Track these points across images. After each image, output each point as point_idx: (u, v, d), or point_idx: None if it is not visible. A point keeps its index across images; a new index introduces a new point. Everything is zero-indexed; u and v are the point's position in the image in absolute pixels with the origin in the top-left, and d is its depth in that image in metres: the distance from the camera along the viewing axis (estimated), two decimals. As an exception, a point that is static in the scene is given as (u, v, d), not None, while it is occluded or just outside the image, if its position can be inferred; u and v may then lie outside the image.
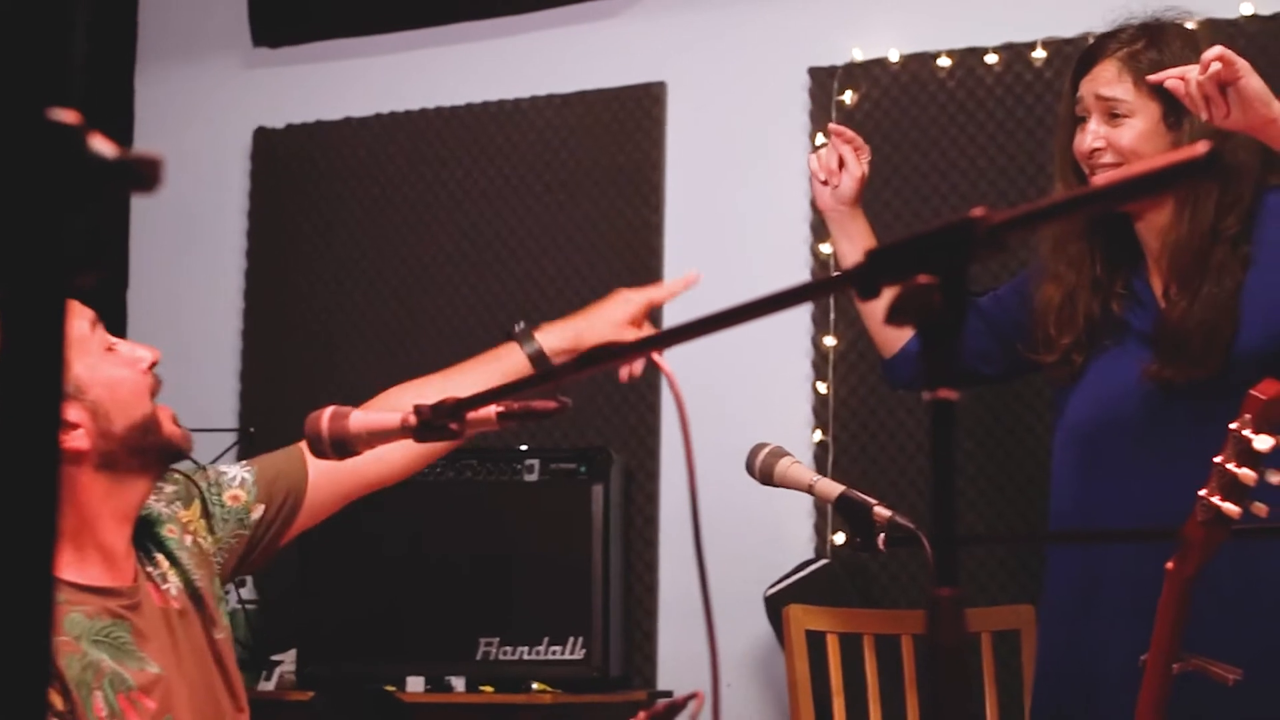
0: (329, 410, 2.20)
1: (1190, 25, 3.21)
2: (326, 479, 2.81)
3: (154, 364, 2.60)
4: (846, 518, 2.68)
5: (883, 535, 2.62)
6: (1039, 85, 4.38)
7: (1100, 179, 3.03)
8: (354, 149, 5.11)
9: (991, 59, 4.43)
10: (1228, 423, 2.32)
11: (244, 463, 2.83)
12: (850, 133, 3.43)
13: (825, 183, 3.45)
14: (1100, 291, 3.16)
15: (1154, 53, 3.06)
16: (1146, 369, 3.05)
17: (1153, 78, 2.92)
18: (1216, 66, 2.71)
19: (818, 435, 4.46)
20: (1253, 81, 2.72)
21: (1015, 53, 4.41)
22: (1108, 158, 3.09)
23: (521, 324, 2.94)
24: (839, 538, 4.37)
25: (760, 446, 2.83)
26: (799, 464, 2.79)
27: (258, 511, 2.77)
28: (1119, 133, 3.08)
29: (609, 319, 2.92)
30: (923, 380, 3.44)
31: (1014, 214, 1.44)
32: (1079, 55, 3.23)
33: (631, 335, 2.94)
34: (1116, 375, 3.12)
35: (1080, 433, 3.15)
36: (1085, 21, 4.27)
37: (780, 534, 4.45)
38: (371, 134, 5.10)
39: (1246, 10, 4.12)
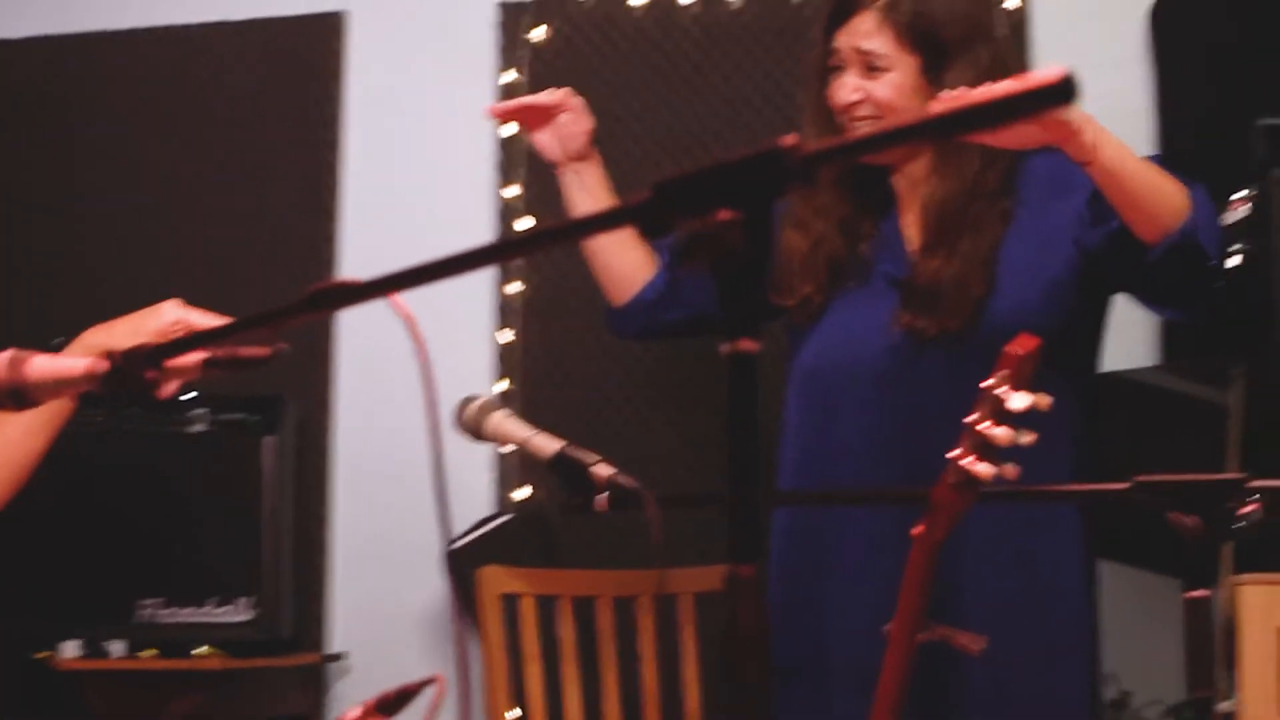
0: (5, 355, 1.94)
1: None
2: None
3: None
4: (563, 477, 2.52)
5: (602, 495, 2.47)
6: (737, 28, 4.26)
7: (863, 130, 2.93)
8: (15, 73, 4.74)
9: (687, 1, 4.29)
10: (977, 380, 2.21)
11: None
12: (541, 100, 3.27)
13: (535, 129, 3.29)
14: (848, 234, 3.05)
15: (914, 3, 2.95)
16: (898, 316, 2.95)
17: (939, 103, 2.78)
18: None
19: (501, 386, 4.30)
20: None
21: (712, -5, 4.30)
22: (865, 110, 2.99)
23: (59, 339, 2.65)
24: (523, 492, 4.21)
25: (470, 399, 2.65)
26: (513, 418, 2.61)
27: None
28: (876, 86, 2.97)
29: (142, 328, 2.50)
30: (654, 330, 3.30)
31: (833, 144, 1.28)
32: (832, 2, 3.09)
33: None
34: (860, 320, 3.01)
35: (817, 378, 3.03)
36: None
37: (459, 488, 4.27)
38: (36, 57, 4.74)
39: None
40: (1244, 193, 3.22)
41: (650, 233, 1.35)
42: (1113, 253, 2.84)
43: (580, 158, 3.29)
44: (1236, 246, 3.23)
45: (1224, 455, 3.32)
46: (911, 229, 3.04)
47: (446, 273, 1.50)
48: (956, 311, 2.90)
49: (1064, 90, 1.15)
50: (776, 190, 1.29)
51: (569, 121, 3.28)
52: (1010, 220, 2.96)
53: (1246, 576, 3.07)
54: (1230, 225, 3.22)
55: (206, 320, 2.31)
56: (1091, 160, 2.65)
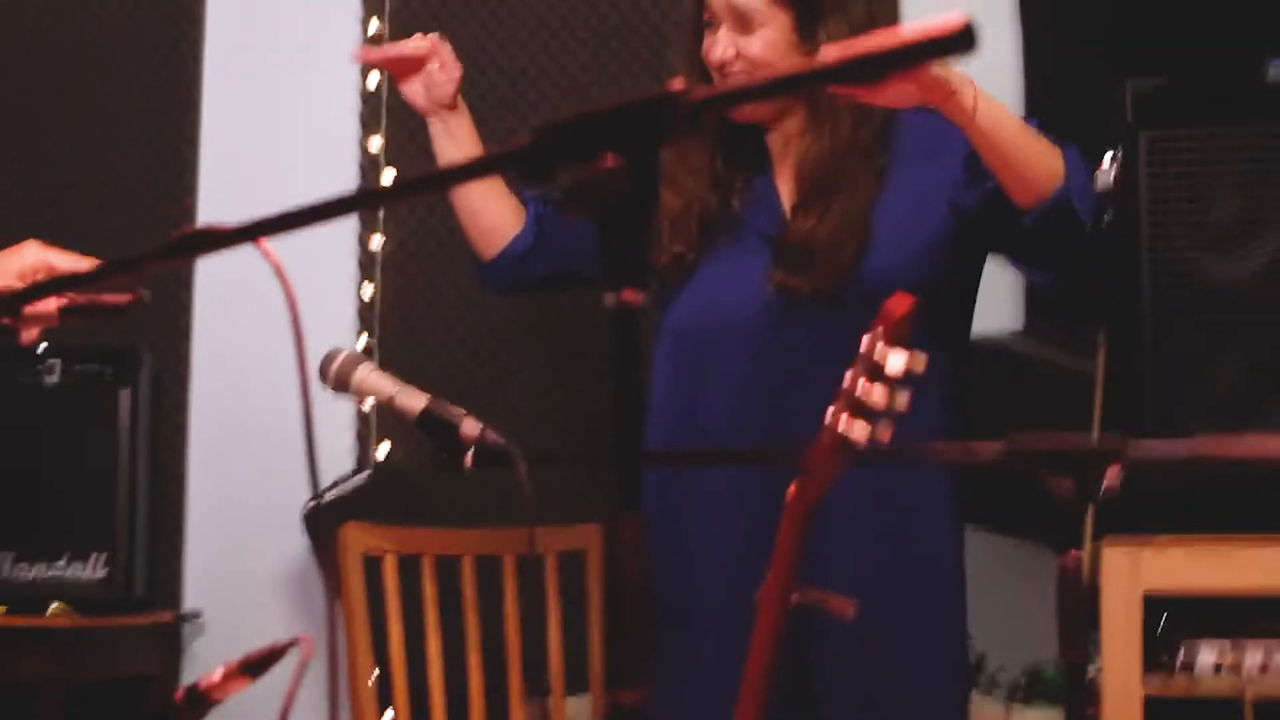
0: None
1: None
2: None
3: None
4: (431, 433, 2.47)
5: (470, 452, 2.42)
6: (607, -14, 4.23)
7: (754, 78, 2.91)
8: None
9: (558, -46, 4.25)
10: (849, 340, 2.18)
11: None
12: (410, 49, 3.22)
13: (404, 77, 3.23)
14: (720, 191, 3.02)
15: None
16: (771, 275, 2.92)
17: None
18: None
19: (363, 340, 4.23)
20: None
21: (580, -50, 4.24)
22: (739, 67, 2.95)
23: None
24: (384, 449, 4.16)
25: (336, 352, 2.59)
26: (379, 372, 2.56)
27: None
28: (749, 42, 2.93)
29: (1, 269, 2.41)
30: (522, 283, 3.24)
31: (723, 91, 1.25)
32: None
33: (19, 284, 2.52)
34: (732, 279, 2.97)
35: (690, 338, 2.99)
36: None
37: (319, 444, 4.19)
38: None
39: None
40: (1111, 156, 3.22)
41: (531, 178, 1.30)
42: (988, 214, 2.84)
43: (449, 107, 3.23)
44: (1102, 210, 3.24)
45: (1088, 420, 3.33)
46: (785, 187, 3.01)
47: (315, 219, 1.45)
48: (830, 270, 2.88)
49: (965, 39, 1.12)
50: (663, 136, 1.26)
51: (438, 70, 3.22)
52: (884, 179, 2.94)
53: (1111, 539, 3.08)
54: (1098, 189, 3.23)
55: (68, 262, 2.23)
56: (969, 122, 2.64)
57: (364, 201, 1.40)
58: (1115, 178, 3.20)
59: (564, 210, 1.25)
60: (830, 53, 2.51)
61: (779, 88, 1.25)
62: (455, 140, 3.21)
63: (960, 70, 2.67)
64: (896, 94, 2.60)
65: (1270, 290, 3.07)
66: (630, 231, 1.25)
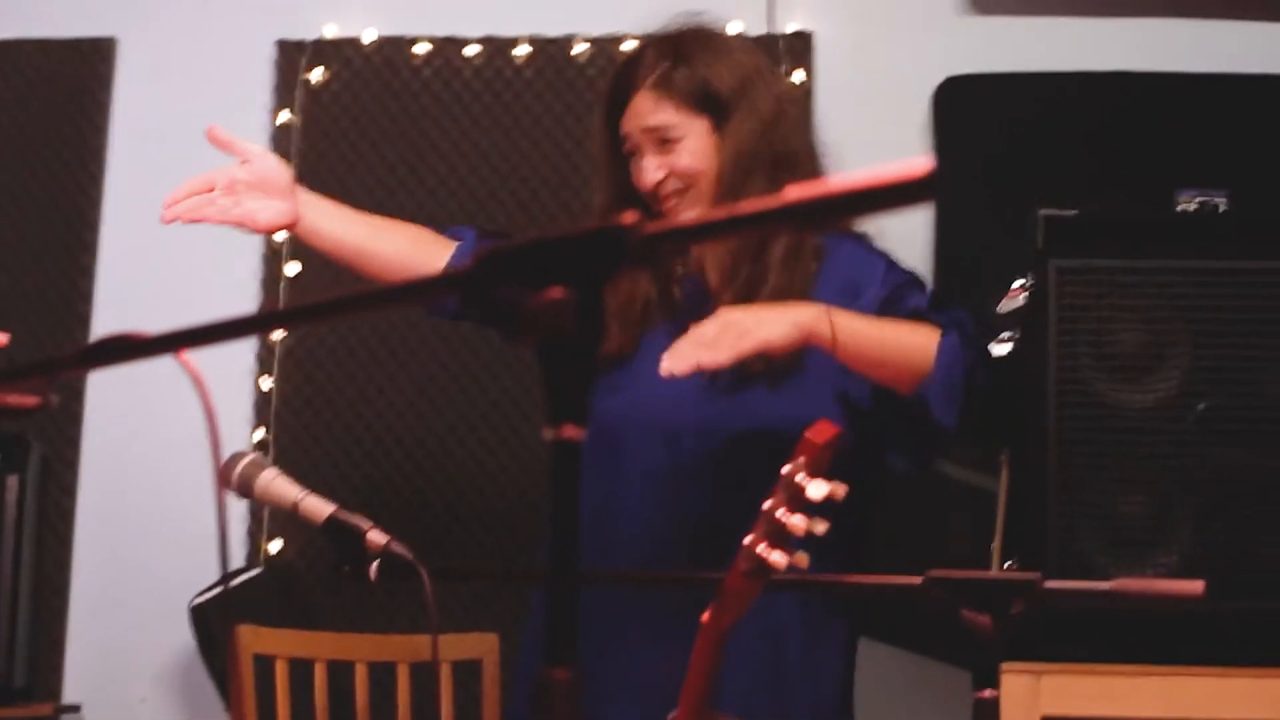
0: None
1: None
2: None
3: None
4: (335, 542, 2.41)
5: (375, 564, 2.37)
6: (519, 83, 4.21)
7: (685, 205, 2.91)
8: None
9: (471, 50, 4.23)
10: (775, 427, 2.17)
11: None
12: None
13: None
14: (660, 281, 2.99)
15: (684, 69, 2.94)
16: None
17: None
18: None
19: (259, 434, 4.17)
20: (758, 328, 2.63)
21: (496, 47, 4.23)
22: (672, 185, 2.94)
23: None
24: (274, 547, 4.08)
25: (239, 455, 2.52)
26: (283, 478, 2.50)
27: None
28: (676, 157, 2.93)
29: None
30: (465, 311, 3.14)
31: (676, 225, 1.22)
32: (607, 94, 3.03)
33: None
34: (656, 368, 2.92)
35: (606, 426, 2.90)
36: (570, 22, 4.16)
37: (208, 538, 4.12)
38: None
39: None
40: (1021, 281, 3.23)
41: (470, 303, 1.27)
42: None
43: (293, 191, 2.98)
44: (1009, 334, 3.25)
45: (991, 537, 3.32)
46: (714, 279, 2.97)
47: (245, 331, 1.41)
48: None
49: (928, 186, 1.10)
50: (612, 270, 1.23)
51: (263, 171, 2.99)
52: (821, 260, 2.93)
53: (1011, 664, 3.07)
54: (1006, 313, 3.24)
55: None
56: (834, 349, 2.67)
57: (299, 317, 1.36)
58: (1021, 303, 3.21)
59: (509, 340, 1.22)
60: (792, 193, 2.48)
61: (735, 225, 1.23)
62: (327, 217, 3.00)
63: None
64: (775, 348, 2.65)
65: (1172, 421, 3.08)
66: (573, 365, 1.22)
